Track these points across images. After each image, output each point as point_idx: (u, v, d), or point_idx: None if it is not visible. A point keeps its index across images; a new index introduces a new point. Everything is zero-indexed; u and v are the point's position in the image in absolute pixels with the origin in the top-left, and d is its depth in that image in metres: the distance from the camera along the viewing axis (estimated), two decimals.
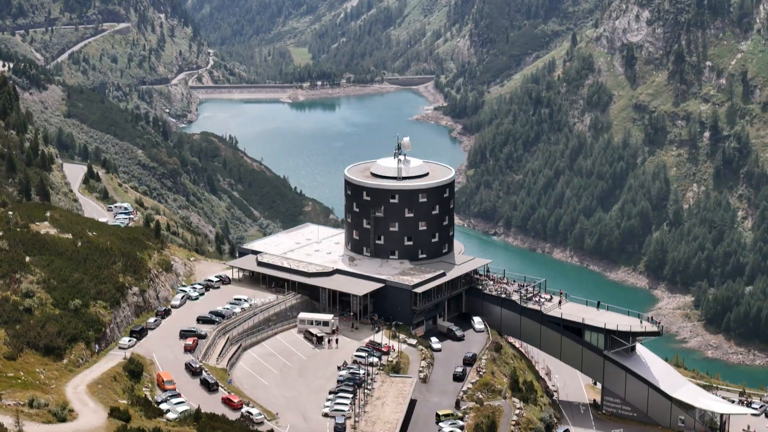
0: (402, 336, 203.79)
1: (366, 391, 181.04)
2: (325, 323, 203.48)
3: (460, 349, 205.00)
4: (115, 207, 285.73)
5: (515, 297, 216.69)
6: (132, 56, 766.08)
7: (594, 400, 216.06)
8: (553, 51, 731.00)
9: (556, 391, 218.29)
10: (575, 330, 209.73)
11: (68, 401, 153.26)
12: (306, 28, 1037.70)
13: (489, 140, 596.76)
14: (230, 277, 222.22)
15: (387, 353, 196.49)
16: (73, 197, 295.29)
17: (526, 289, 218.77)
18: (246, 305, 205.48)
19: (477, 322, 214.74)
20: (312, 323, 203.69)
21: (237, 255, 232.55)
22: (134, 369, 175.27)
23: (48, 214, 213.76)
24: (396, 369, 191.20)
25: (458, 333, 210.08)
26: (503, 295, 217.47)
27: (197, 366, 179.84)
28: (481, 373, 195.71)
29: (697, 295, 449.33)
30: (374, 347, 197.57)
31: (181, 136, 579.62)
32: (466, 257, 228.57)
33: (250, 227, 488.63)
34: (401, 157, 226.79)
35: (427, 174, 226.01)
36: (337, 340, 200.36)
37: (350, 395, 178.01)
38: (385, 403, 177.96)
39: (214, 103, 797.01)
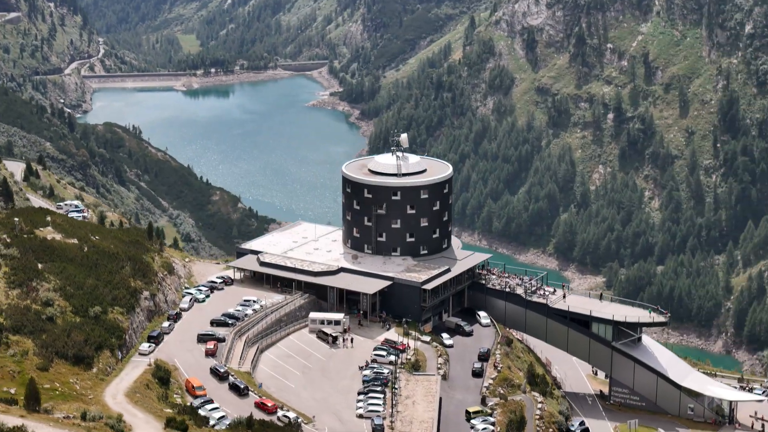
0: (414, 333, 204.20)
1: (393, 390, 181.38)
2: (337, 322, 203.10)
3: (471, 345, 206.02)
4: (66, 204, 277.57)
5: (519, 291, 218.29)
6: (24, 46, 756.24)
7: (600, 391, 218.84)
8: (448, 35, 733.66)
9: (561, 383, 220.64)
10: (582, 322, 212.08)
11: (117, 412, 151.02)
12: (193, 15, 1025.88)
13: (391, 125, 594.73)
14: (232, 277, 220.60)
15: (404, 351, 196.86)
16: (24, 196, 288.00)
17: (531, 283, 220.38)
18: (257, 306, 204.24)
19: (483, 316, 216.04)
20: (324, 323, 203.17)
21: (236, 255, 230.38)
22: (163, 376, 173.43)
23: (49, 218, 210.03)
24: (416, 367, 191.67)
25: (467, 328, 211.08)
26: (507, 290, 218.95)
27: (223, 370, 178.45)
28: (498, 368, 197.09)
29: (608, 276, 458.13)
30: (390, 345, 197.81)
31: (85, 127, 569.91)
32: (465, 252, 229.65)
33: (160, 218, 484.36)
34: (399, 154, 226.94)
35: (425, 170, 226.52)
36: (351, 339, 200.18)
37: (381, 395, 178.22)
38: (415, 402, 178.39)
39: (107, 93, 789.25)
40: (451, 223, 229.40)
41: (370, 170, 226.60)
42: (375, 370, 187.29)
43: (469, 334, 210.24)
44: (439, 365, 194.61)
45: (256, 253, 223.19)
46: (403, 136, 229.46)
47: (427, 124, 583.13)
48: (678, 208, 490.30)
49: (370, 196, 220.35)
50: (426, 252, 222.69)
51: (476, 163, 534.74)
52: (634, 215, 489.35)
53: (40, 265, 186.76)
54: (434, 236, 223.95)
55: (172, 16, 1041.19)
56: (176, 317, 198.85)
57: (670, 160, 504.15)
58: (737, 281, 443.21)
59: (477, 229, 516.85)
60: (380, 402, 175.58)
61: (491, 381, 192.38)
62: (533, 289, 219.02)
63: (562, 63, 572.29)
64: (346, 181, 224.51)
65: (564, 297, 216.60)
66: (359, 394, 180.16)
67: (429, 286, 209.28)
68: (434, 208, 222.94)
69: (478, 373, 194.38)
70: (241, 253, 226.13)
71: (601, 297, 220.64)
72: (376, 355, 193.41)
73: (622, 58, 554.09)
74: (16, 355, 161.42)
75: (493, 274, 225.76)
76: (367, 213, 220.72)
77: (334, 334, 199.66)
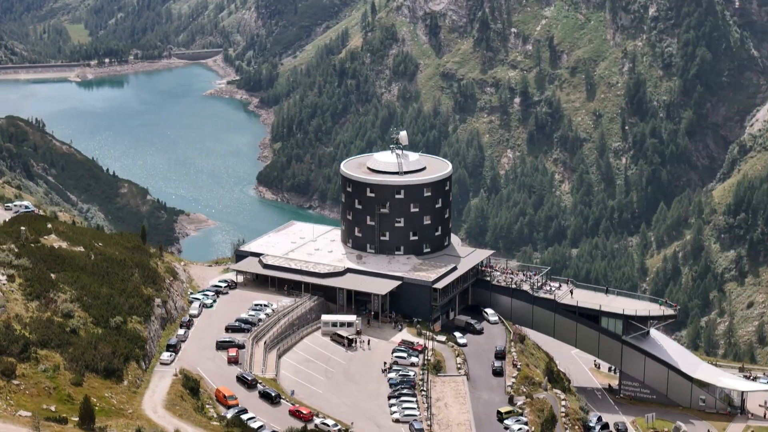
0: (429, 333, 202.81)
1: (422, 392, 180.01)
2: (350, 324, 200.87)
3: (484, 343, 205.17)
4: (15, 205, 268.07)
5: (526, 287, 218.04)
6: None
7: (609, 385, 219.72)
8: (344, 21, 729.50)
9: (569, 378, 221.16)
10: (591, 317, 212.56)
11: (169, 428, 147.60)
12: (79, 4, 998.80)
13: (295, 113, 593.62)
14: (235, 281, 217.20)
15: (422, 352, 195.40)
16: None
17: (537, 279, 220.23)
18: (268, 310, 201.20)
19: (491, 314, 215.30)
20: (336, 325, 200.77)
21: (235, 258, 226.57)
22: (193, 386, 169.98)
23: (49, 225, 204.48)
24: (437, 368, 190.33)
25: (477, 326, 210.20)
26: (514, 286, 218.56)
27: (251, 378, 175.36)
28: (518, 366, 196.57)
29: (522, 260, 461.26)
30: (408, 346, 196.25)
31: None
32: (467, 249, 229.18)
33: (70, 212, 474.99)
34: (399, 152, 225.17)
35: (425, 168, 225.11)
36: (369, 342, 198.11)
37: (413, 398, 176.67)
38: (447, 404, 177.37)
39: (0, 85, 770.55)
40: (450, 219, 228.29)
41: (369, 168, 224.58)
42: (401, 372, 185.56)
43: (480, 332, 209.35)
44: (458, 365, 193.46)
45: (256, 255, 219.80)
46: (402, 134, 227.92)
47: (332, 111, 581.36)
48: (589, 191, 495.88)
49: (372, 195, 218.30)
50: (429, 250, 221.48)
51: (384, 150, 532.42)
52: (545, 199, 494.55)
53: (53, 275, 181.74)
54: (437, 234, 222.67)
55: (58, 6, 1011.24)
56: (189, 324, 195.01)
57: (578, 144, 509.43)
58: (652, 263, 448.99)
59: None
60: (415, 406, 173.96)
61: (513, 379, 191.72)
62: (539, 284, 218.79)
63: (467, 48, 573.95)
64: (347, 181, 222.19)
65: (571, 293, 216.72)
66: (390, 398, 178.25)
67: (439, 285, 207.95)
68: (437, 206, 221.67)
69: (498, 372, 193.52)
70: (241, 256, 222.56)
71: (606, 291, 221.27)
72: (396, 357, 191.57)
73: (526, 43, 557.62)
74: (47, 370, 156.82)
75: (497, 270, 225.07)
76: (370, 212, 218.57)
77: (350, 337, 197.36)
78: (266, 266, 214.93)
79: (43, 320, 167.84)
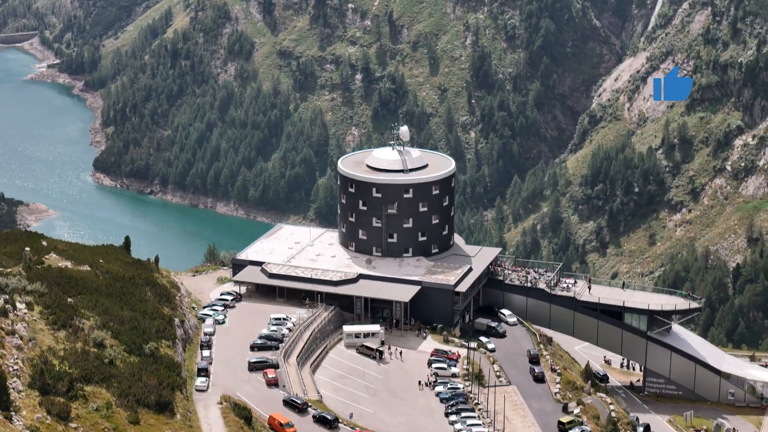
0: (459, 340, 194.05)
1: (477, 405, 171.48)
2: (374, 334, 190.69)
3: (510, 347, 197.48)
4: None
5: (542, 285, 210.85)
6: None
7: (630, 383, 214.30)
8: (165, 0, 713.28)
9: None
10: (613, 313, 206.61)
11: None
12: None
13: (128, 96, 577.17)
14: (239, 292, 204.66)
15: (457, 361, 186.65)
16: None
17: (552, 276, 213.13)
18: (290, 324, 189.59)
19: (508, 314, 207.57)
20: (360, 336, 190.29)
21: (232, 267, 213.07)
22: (246, 415, 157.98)
23: (45, 243, 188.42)
24: (479, 378, 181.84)
25: (500, 329, 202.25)
26: (529, 284, 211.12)
27: (301, 402, 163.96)
28: (557, 370, 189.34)
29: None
30: (442, 356, 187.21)
31: None
32: (473, 248, 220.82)
33: None
34: (401, 148, 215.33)
35: (427, 165, 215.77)
36: (400, 352, 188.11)
37: (472, 413, 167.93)
38: (507, 417, 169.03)
39: None
40: (453, 216, 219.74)
41: (369, 167, 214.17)
42: (450, 385, 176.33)
43: (503, 335, 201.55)
44: (497, 373, 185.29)
45: (256, 264, 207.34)
46: (404, 129, 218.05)
47: (167, 93, 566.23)
48: None
49: (379, 195, 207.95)
50: (437, 251, 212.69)
51: (225, 131, 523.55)
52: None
53: (70, 300, 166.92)
54: (444, 234, 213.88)
55: None
56: (209, 344, 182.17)
57: (425, 119, 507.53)
58: (510, 236, 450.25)
59: (233, 199, 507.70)
60: (479, 421, 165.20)
61: (558, 386, 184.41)
62: (554, 281, 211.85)
63: (303, 25, 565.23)
64: (348, 181, 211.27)
65: (589, 289, 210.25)
66: (448, 414, 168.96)
67: (461, 288, 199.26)
68: (444, 204, 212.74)
69: (540, 378, 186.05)
70: (239, 265, 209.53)
71: (624, 285, 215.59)
72: (436, 368, 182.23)
73: (365, 18, 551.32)
74: (100, 409, 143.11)
75: (506, 268, 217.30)
76: (377, 213, 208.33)
77: (380, 348, 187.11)
78: (272, 275, 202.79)
79: (78, 352, 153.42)
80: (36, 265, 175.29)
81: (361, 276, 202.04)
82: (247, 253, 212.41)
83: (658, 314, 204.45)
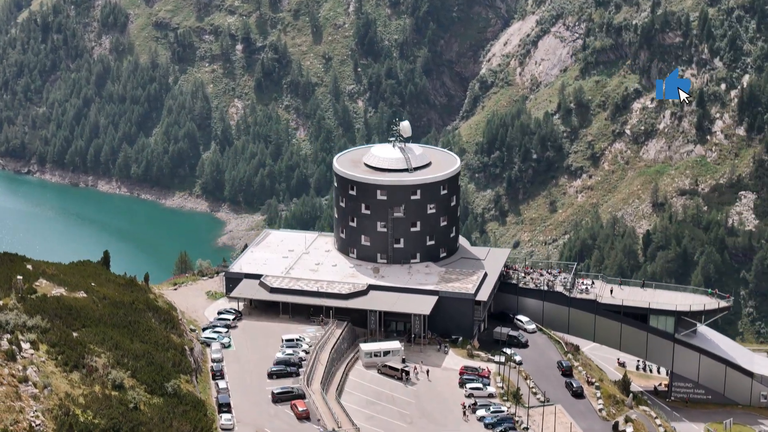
0: (485, 354, 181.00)
1: (526, 430, 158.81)
2: (395, 352, 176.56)
3: (537, 358, 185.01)
4: None
5: (560, 287, 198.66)
6: None
7: (654, 387, 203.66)
8: None
9: None
10: (637, 316, 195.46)
11: None
12: None
13: None
14: (239, 310, 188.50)
15: (488, 377, 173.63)
16: None
17: (572, 278, 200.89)
18: (305, 346, 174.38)
19: (526, 321, 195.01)
20: (380, 355, 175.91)
21: (225, 281, 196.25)
22: None
23: (30, 267, 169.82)
24: (516, 397, 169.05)
25: (522, 338, 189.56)
26: (546, 287, 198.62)
27: None
28: (594, 383, 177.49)
29: (268, 213, 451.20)
30: (473, 373, 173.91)
31: None
32: (481, 249, 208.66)
33: None
34: (402, 145, 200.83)
35: (431, 162, 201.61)
36: (427, 371, 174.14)
37: None
38: None
39: None
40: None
41: (369, 166, 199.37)
42: (492, 408, 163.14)
43: (525, 344, 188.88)
44: (533, 390, 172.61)
45: (252, 277, 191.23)
46: (405, 124, 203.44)
47: (40, 69, 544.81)
48: (329, 137, 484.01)
49: (384, 197, 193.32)
50: (445, 255, 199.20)
51: (103, 107, 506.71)
52: (283, 148, 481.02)
53: (75, 334, 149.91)
54: (451, 236, 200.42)
55: None
56: (221, 373, 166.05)
57: (310, 89, 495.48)
58: None
59: (114, 176, 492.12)
60: None
61: (600, 401, 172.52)
62: (572, 283, 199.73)
63: None
64: (348, 182, 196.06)
65: (611, 291, 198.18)
66: None
67: (482, 297, 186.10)
68: (452, 204, 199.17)
69: (579, 394, 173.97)
70: (232, 279, 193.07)
71: (643, 285, 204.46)
72: (471, 389, 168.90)
73: None
74: None
75: (519, 270, 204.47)
76: (381, 217, 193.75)
77: (405, 368, 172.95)
78: (273, 290, 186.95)
79: (99, 398, 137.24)
80: (28, 294, 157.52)
81: (371, 287, 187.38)
82: (241, 265, 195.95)
83: (686, 315, 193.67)
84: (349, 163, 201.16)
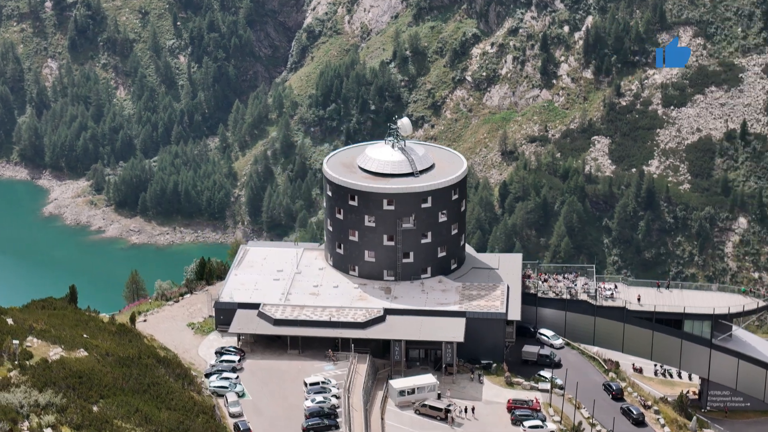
0: (521, 379, 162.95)
1: None
2: (430, 388, 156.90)
3: (578, 379, 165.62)
4: None
5: (584, 296, 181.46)
6: None
7: (689, 397, 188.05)
8: None
9: None
10: (670, 322, 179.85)
11: None
12: None
13: None
14: (241, 348, 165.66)
15: (539, 411, 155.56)
16: None
17: (594, 284, 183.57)
18: (334, 390, 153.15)
19: (552, 336, 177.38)
20: (414, 392, 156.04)
21: (216, 314, 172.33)
22: None
23: (11, 321, 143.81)
24: (578, 431, 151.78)
25: (555, 358, 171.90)
26: (569, 296, 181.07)
27: None
28: (653, 408, 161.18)
29: (95, 179, 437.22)
30: (522, 406, 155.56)
31: None
32: (489, 256, 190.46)
33: None
34: (402, 145, 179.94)
35: (434, 164, 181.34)
36: (472, 409, 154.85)
37: None
38: None
39: None
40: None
41: (365, 170, 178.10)
42: None
43: (558, 364, 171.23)
44: (590, 421, 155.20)
45: (248, 306, 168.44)
46: (405, 121, 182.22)
47: None
48: (152, 96, 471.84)
49: (392, 207, 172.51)
50: (456, 266, 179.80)
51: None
52: (105, 109, 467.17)
53: (94, 408, 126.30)
54: (461, 244, 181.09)
55: None
56: None
57: (128, 45, 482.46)
58: (240, 165, 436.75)
59: None
60: None
61: (665, 428, 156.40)
62: (594, 290, 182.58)
63: None
64: (346, 192, 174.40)
65: (639, 299, 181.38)
66: None
67: (514, 316, 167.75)
68: (462, 210, 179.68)
69: (640, 421, 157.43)
70: (224, 310, 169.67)
71: (661, 286, 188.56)
72: (531, 428, 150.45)
73: None
74: None
75: (536, 278, 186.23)
76: (389, 230, 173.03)
77: (446, 407, 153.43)
78: (278, 322, 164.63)
79: None
80: (24, 360, 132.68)
81: (387, 311, 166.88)
82: (230, 293, 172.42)
83: (723, 318, 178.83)
84: (342, 168, 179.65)
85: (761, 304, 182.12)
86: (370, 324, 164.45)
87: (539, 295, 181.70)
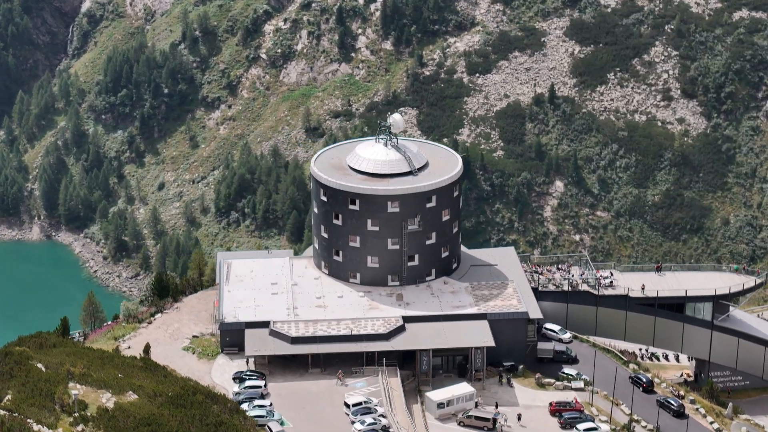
0: (555, 381, 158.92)
1: None
2: (468, 397, 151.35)
3: (601, 374, 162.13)
4: None
5: (585, 286, 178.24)
6: None
7: (684, 379, 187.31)
8: None
9: None
10: (673, 306, 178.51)
11: None
12: None
13: None
14: (259, 371, 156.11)
15: (582, 411, 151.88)
16: None
17: (592, 272, 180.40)
18: (380, 409, 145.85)
19: (559, 330, 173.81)
20: (452, 403, 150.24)
21: (221, 336, 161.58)
22: None
23: (41, 366, 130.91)
24: (629, 430, 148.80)
25: (571, 353, 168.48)
26: (569, 288, 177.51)
27: None
28: (689, 398, 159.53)
29: None
30: (566, 408, 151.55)
31: None
32: (482, 251, 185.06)
33: None
34: (394, 142, 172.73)
35: (428, 161, 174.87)
36: (519, 416, 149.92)
37: None
38: None
39: None
40: None
41: (359, 171, 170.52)
42: None
43: (575, 360, 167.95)
44: (635, 418, 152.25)
45: (256, 325, 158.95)
46: (397, 117, 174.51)
47: None
48: None
49: (396, 209, 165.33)
50: (456, 265, 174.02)
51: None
52: None
53: None
54: (459, 242, 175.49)
55: None
56: None
57: None
58: (30, 158, 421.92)
59: None
60: None
61: (707, 418, 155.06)
62: (595, 279, 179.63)
63: None
64: (347, 196, 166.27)
65: (643, 288, 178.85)
66: None
67: (535, 314, 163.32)
68: (460, 206, 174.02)
69: (681, 413, 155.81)
70: (230, 330, 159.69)
71: (658, 269, 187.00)
72: (586, 431, 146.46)
73: None
74: None
75: (535, 270, 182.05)
76: (393, 233, 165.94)
77: (493, 416, 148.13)
78: (296, 340, 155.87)
79: None
80: (83, 410, 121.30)
81: (405, 319, 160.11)
82: (233, 312, 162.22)
83: (724, 298, 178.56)
84: (334, 170, 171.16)
85: (758, 282, 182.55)
86: (393, 334, 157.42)
87: (539, 288, 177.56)
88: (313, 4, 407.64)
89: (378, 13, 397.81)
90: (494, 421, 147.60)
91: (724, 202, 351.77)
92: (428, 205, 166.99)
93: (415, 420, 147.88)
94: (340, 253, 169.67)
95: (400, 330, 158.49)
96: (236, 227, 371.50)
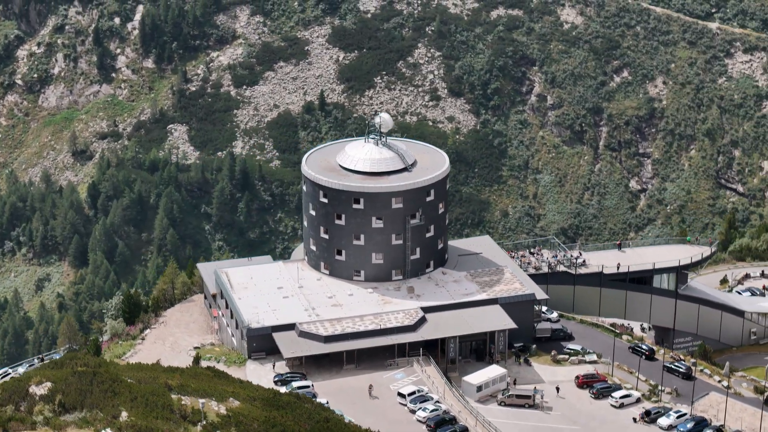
0: (570, 357, 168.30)
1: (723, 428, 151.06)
2: (502, 378, 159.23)
3: (602, 348, 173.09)
4: None
5: (562, 267, 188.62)
6: None
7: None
8: None
9: None
10: (641, 280, 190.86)
11: None
12: None
13: None
14: (296, 372, 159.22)
15: (606, 382, 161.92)
16: None
17: (567, 254, 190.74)
18: (434, 396, 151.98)
19: (546, 310, 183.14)
20: (489, 385, 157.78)
21: (248, 341, 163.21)
22: None
23: (130, 380, 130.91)
24: (656, 393, 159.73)
25: (567, 330, 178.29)
26: (548, 270, 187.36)
27: None
28: (692, 361, 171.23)
29: None
30: (593, 380, 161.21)
31: None
32: (461, 241, 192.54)
33: None
34: (383, 140, 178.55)
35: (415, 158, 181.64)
36: (558, 389, 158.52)
37: None
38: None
39: None
40: None
41: (353, 171, 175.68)
42: (674, 414, 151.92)
43: (571, 336, 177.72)
44: (655, 385, 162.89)
45: (282, 329, 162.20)
46: (386, 117, 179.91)
47: None
48: None
49: (400, 205, 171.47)
50: (447, 256, 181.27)
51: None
52: None
53: None
54: (447, 233, 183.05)
55: None
56: None
57: None
58: None
59: None
60: None
61: (715, 377, 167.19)
62: (565, 258, 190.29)
63: None
64: (350, 196, 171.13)
65: (618, 267, 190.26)
66: None
67: (540, 295, 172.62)
68: (448, 198, 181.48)
69: (689, 375, 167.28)
70: (257, 336, 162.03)
71: (619, 246, 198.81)
72: (621, 398, 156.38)
73: None
74: None
75: (516, 256, 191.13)
76: (396, 229, 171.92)
77: (527, 393, 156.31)
78: (329, 339, 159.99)
79: None
80: (199, 421, 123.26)
81: (424, 310, 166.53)
82: (256, 318, 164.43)
83: (686, 268, 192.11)
84: (328, 172, 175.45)
85: (713, 249, 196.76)
86: (418, 325, 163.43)
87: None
88: (67, 27, 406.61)
89: (136, 32, 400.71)
90: (533, 397, 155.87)
91: (501, 194, 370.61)
92: (428, 199, 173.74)
93: (457, 404, 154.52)
94: (343, 252, 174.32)
95: (422, 321, 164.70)
96: (12, 256, 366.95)
